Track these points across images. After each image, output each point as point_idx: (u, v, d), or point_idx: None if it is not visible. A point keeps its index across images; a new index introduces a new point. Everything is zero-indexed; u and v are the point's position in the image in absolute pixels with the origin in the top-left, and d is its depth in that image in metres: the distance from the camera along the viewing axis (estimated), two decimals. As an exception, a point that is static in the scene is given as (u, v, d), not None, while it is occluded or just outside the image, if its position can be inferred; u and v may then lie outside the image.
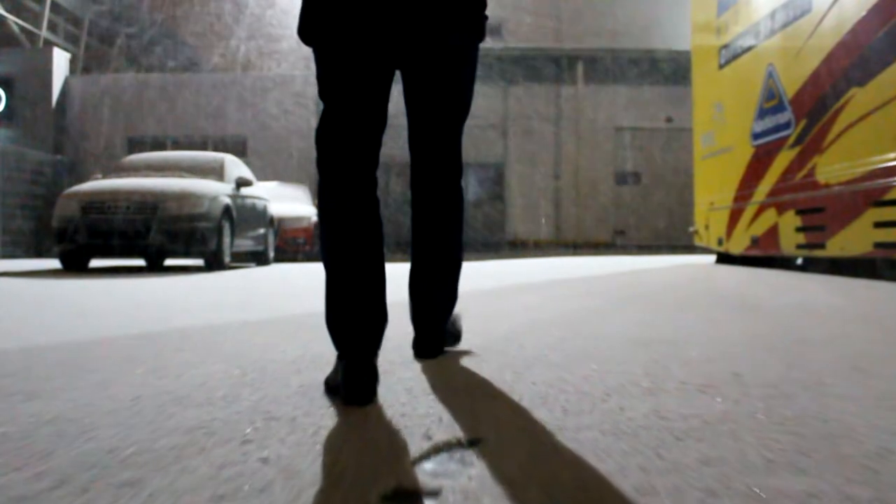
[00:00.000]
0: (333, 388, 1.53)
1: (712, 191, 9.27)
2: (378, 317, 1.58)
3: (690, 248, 11.81)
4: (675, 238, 17.00)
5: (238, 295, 4.70)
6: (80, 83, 17.50)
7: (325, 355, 2.00)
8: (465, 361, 1.93)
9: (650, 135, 18.67)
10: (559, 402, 1.44)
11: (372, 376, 1.49)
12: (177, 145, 16.01)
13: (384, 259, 1.62)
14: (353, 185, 1.59)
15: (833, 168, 6.32)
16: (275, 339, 2.40)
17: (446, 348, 2.08)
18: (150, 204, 7.21)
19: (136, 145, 16.47)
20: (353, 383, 1.46)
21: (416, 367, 1.85)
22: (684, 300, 4.04)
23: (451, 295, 2.04)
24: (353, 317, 1.54)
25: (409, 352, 2.01)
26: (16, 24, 17.48)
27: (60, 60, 17.01)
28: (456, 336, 2.11)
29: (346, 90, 1.60)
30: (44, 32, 18.26)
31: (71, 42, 19.63)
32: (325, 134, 1.61)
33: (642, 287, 5.31)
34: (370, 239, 1.58)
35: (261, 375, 1.74)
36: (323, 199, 1.60)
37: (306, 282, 6.40)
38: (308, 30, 1.63)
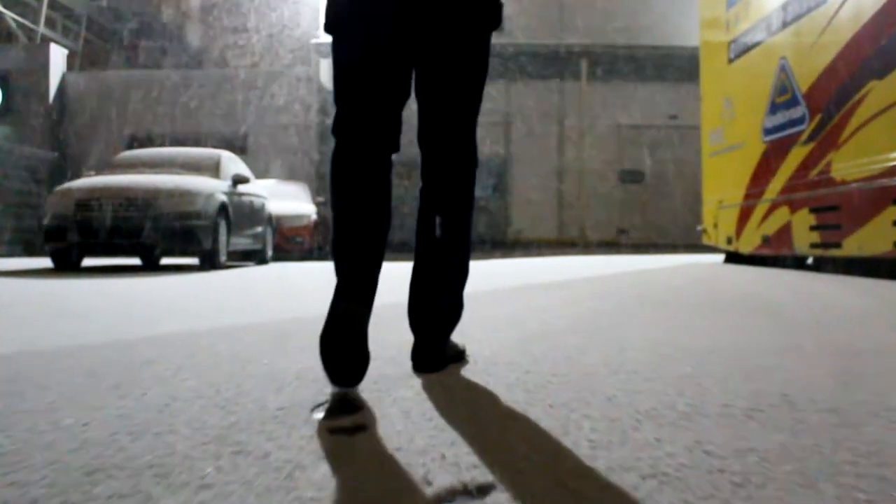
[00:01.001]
0: (327, 350, 1.49)
1: (721, 188, 9.03)
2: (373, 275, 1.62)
3: (696, 248, 11.57)
4: (679, 237, 16.74)
5: (230, 296, 4.48)
6: (78, 79, 17.26)
7: (313, 368, 1.78)
8: (471, 377, 1.71)
9: (654, 132, 18.40)
10: (583, 432, 1.22)
11: (363, 355, 1.52)
12: (176, 142, 15.75)
13: (388, 227, 1.68)
14: (367, 157, 1.66)
15: (850, 164, 6.08)
16: (260, 347, 2.18)
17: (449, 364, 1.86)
18: (143, 201, 6.98)
19: (134, 142, 16.21)
20: (343, 362, 1.49)
21: (416, 383, 1.63)
22: (702, 303, 3.81)
23: (457, 300, 1.84)
24: (354, 250, 1.62)
25: (408, 364, 1.79)
26: (13, 20, 17.27)
27: (58, 56, 16.77)
28: (458, 356, 1.88)
29: (362, 73, 1.64)
30: (41, 28, 18.05)
31: (69, 38, 19.41)
32: (342, 114, 1.67)
33: (655, 288, 5.08)
34: (377, 210, 1.65)
35: (236, 394, 1.51)
36: (336, 168, 1.66)
37: (304, 282, 6.19)
38: (330, 18, 1.69)
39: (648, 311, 3.36)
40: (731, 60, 8.70)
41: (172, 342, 2.32)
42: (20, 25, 17.56)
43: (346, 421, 1.31)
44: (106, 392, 1.55)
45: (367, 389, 1.56)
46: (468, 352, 1.95)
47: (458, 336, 1.92)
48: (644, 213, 18.39)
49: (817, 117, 6.60)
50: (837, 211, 6.26)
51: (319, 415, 1.36)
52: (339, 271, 1.60)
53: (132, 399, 1.48)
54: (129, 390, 1.57)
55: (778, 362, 1.90)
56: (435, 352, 1.78)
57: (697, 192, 10.51)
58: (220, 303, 3.96)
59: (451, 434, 1.21)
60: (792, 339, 2.38)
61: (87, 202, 6.97)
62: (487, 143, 17.43)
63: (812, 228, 6.71)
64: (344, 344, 1.49)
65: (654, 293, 4.62)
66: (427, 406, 1.42)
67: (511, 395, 1.49)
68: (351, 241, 1.63)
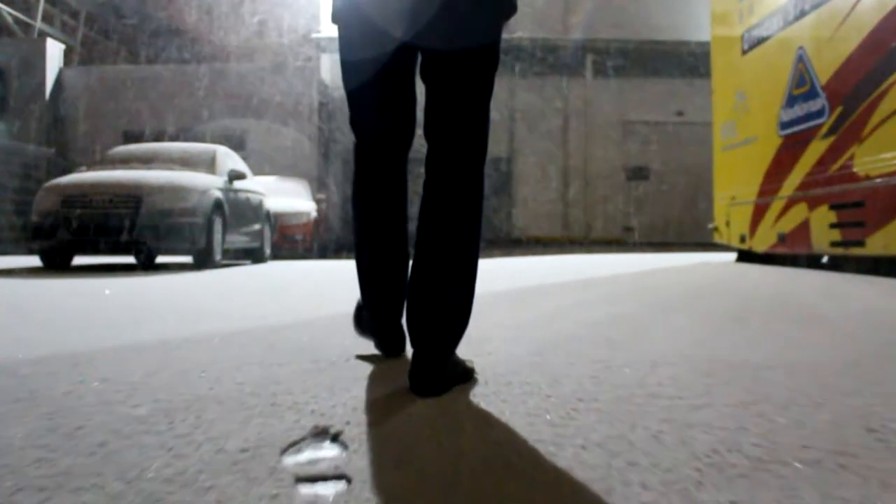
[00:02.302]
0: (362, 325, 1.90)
1: (734, 185, 8.72)
2: (398, 284, 1.70)
3: (704, 245, 11.27)
4: (686, 235, 16.46)
5: (220, 298, 4.19)
6: (75, 75, 16.98)
7: (292, 391, 1.50)
8: (482, 403, 1.42)
9: (661, 129, 18.10)
10: (633, 489, 0.93)
11: (398, 335, 1.81)
12: (174, 138, 15.46)
13: (406, 233, 1.73)
14: (382, 158, 1.72)
15: (874, 159, 5.77)
16: (237, 360, 1.89)
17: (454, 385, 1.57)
18: (134, 197, 6.69)
19: (132, 138, 15.90)
20: (383, 343, 1.84)
21: (414, 412, 1.34)
22: (730, 307, 3.50)
23: (463, 307, 1.56)
24: (375, 283, 1.77)
25: (405, 385, 1.50)
26: (10, 14, 16.99)
27: (54, 52, 16.47)
28: (465, 376, 1.60)
29: (367, 64, 1.62)
30: (38, 23, 17.76)
31: (68, 34, 19.13)
32: (352, 107, 1.71)
33: (673, 290, 4.77)
34: (392, 216, 1.72)
35: (192, 428, 1.23)
36: (355, 161, 1.75)
37: (301, 282, 5.91)
38: (336, 8, 1.68)
39: (672, 316, 3.06)
40: (744, 52, 8.39)
41: (137, 354, 2.03)
42: (17, 21, 17.28)
43: (324, 467, 1.03)
44: (34, 423, 1.27)
45: (353, 420, 1.27)
46: (476, 369, 1.67)
47: (463, 348, 1.64)
48: (650, 210, 18.10)
49: (838, 109, 6.30)
50: (860, 207, 5.96)
51: (291, 459, 1.07)
52: (361, 265, 1.77)
53: (62, 434, 1.19)
54: (64, 420, 1.28)
55: (845, 384, 1.60)
56: (437, 370, 1.50)
57: (705, 190, 10.21)
58: (207, 305, 3.67)
59: (459, 496, 0.92)
60: (846, 352, 2.08)
61: (75, 198, 6.69)
62: (491, 139, 17.08)
63: (832, 226, 6.40)
64: (377, 314, 1.79)
65: (674, 296, 4.32)
66: (428, 447, 1.13)
67: (533, 431, 1.20)
68: (369, 236, 1.74)
